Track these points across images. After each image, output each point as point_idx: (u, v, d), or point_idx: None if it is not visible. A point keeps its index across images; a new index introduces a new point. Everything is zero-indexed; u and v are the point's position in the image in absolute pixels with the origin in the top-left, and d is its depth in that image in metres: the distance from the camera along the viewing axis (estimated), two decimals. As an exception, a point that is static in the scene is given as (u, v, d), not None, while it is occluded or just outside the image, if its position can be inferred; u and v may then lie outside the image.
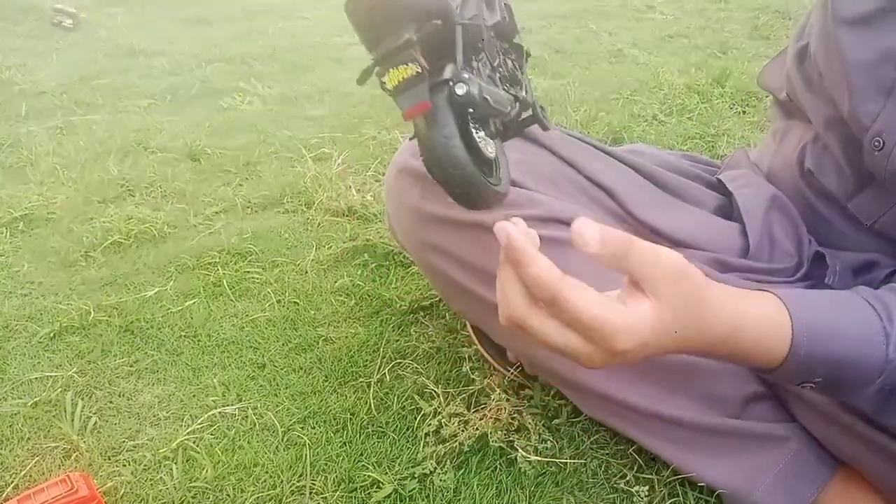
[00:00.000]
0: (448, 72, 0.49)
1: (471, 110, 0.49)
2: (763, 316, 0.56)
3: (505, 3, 0.64)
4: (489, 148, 0.53)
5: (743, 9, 3.60)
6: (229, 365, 1.00)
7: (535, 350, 0.82)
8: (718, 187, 0.96)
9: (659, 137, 1.83)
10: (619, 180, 0.87)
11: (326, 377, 0.97)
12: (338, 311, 1.12)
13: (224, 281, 1.18)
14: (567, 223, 0.85)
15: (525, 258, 0.47)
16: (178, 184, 1.52)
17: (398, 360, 1.00)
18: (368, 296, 1.15)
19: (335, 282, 1.19)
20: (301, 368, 0.99)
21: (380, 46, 0.47)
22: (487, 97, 0.49)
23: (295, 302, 1.14)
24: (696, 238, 0.85)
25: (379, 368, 0.98)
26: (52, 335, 1.06)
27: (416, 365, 0.99)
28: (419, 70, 0.45)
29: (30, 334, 1.07)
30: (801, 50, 0.82)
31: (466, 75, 0.49)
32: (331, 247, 1.29)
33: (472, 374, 0.95)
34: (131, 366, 1.00)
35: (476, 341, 1.00)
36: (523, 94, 0.63)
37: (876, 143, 0.68)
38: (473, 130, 0.51)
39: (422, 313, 1.11)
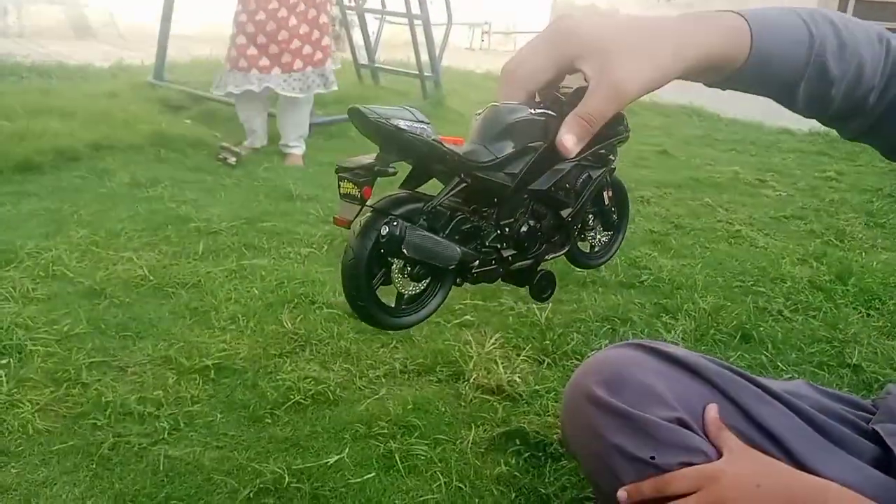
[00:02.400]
0: (402, 210, 0.54)
1: (381, 250, 0.53)
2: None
3: (587, 176, 0.67)
4: (409, 286, 0.58)
5: (855, 190, 3.68)
6: (407, 547, 1.11)
7: None
8: (873, 436, 1.03)
9: (786, 335, 1.91)
10: (786, 428, 0.95)
11: (497, 573, 1.06)
12: (499, 502, 1.22)
13: (395, 455, 1.31)
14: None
15: None
16: (343, 343, 1.69)
17: (561, 564, 1.08)
18: (525, 489, 1.25)
19: (494, 468, 1.30)
20: (472, 560, 1.09)
21: (351, 159, 0.54)
22: (405, 249, 0.53)
23: (459, 487, 1.25)
24: (861, 491, 0.92)
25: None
26: (250, 496, 1.20)
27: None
28: (358, 195, 0.52)
29: (230, 490, 1.21)
30: None
31: (401, 222, 0.53)
32: (485, 428, 1.41)
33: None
34: (321, 536, 1.13)
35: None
36: (524, 257, 0.65)
37: None
38: (394, 263, 0.56)
39: (576, 514, 1.20)
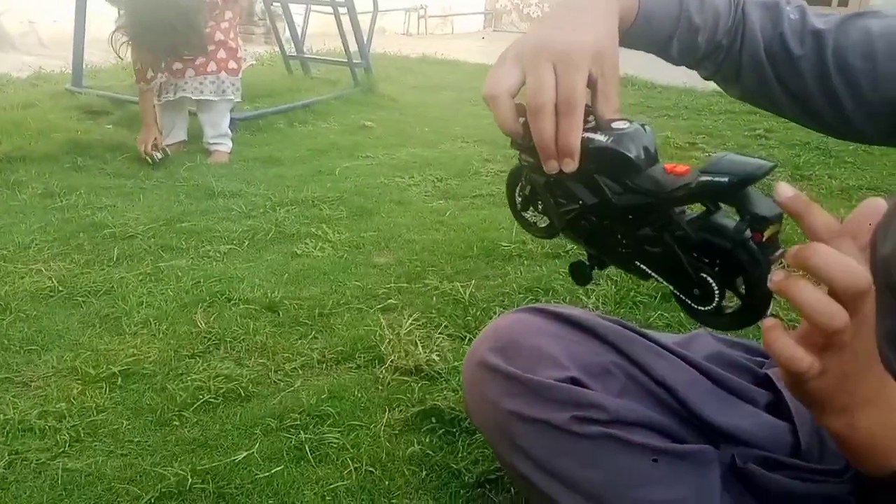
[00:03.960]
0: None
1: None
2: None
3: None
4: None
5: (784, 146, 3.74)
6: (313, 537, 1.09)
7: None
8: (767, 382, 1.04)
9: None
10: (681, 381, 0.95)
11: (403, 554, 1.05)
12: (410, 481, 1.20)
13: (306, 446, 1.28)
14: (629, 423, 0.95)
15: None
16: (259, 338, 1.66)
17: (469, 539, 1.07)
18: (437, 466, 1.23)
19: (407, 448, 1.28)
20: (379, 544, 1.07)
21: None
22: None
23: (371, 470, 1.23)
24: (754, 437, 0.93)
25: (452, 547, 1.06)
26: (152, 501, 1.16)
27: (486, 544, 1.06)
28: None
29: (132, 498, 1.17)
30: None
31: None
32: (401, 409, 1.39)
33: (540, 558, 1.02)
34: (225, 534, 1.10)
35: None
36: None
37: None
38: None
39: (488, 486, 1.19)
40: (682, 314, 1.80)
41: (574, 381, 0.96)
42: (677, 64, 0.86)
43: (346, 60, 4.61)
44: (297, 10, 5.20)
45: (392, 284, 1.94)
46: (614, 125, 0.65)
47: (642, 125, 0.64)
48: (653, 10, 0.76)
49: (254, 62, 3.72)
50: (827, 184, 3.08)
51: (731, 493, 0.88)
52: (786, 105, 0.88)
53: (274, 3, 4.91)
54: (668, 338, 1.05)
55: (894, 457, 0.63)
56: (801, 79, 0.83)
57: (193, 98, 3.11)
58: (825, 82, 0.82)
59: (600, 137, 0.64)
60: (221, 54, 3.13)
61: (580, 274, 0.76)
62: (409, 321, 1.69)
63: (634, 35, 0.77)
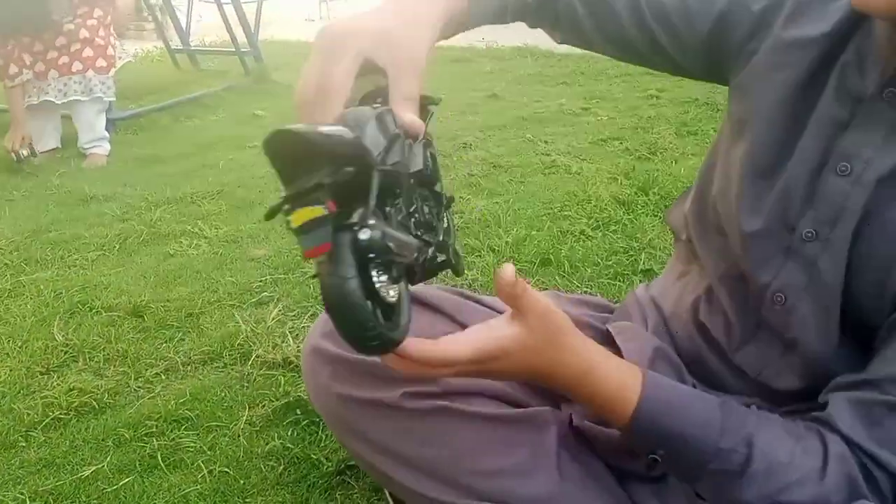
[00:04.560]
0: (356, 216, 0.50)
1: (372, 255, 0.49)
2: (619, 372, 0.68)
3: (430, 153, 0.66)
4: (391, 293, 0.53)
5: (673, 104, 3.80)
6: (159, 548, 1.04)
7: None
8: (609, 337, 1.04)
9: (587, 254, 1.93)
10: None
11: (251, 555, 1.01)
12: (267, 477, 1.16)
13: (159, 454, 1.23)
14: (463, 393, 0.93)
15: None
16: (121, 345, 1.58)
17: (321, 530, 1.04)
18: (297, 458, 1.20)
19: (266, 445, 1.24)
20: (228, 547, 1.03)
21: (290, 186, 0.48)
22: (390, 244, 0.50)
23: (226, 471, 1.18)
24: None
25: (302, 541, 1.02)
26: (-14, 530, 1.09)
27: (338, 534, 1.03)
28: (325, 213, 0.46)
29: (-35, 529, 1.10)
30: (701, 199, 0.90)
31: (372, 221, 0.50)
32: (264, 405, 1.35)
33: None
34: (63, 557, 1.04)
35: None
36: (439, 239, 0.65)
37: (777, 299, 0.76)
38: (375, 275, 0.51)
39: (349, 473, 1.16)
40: (558, 277, 1.81)
41: (407, 356, 0.94)
42: (508, 23, 0.88)
43: (234, 50, 4.46)
44: (184, 3, 5.02)
45: (268, 277, 1.88)
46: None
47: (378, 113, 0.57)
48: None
49: (131, 59, 3.55)
50: (712, 138, 3.14)
51: (569, 451, 0.87)
52: (606, 49, 0.90)
53: (153, -4, 4.71)
54: (501, 303, 1.04)
55: (624, 412, 0.68)
56: (619, 23, 0.84)
57: (58, 102, 2.96)
58: (642, 23, 0.83)
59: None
60: (88, 52, 2.97)
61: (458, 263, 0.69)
62: (276, 313, 1.64)
63: (474, 17, 0.78)
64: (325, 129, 0.49)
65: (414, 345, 0.59)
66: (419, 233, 0.61)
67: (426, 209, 0.64)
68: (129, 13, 5.70)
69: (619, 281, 1.79)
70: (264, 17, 4.65)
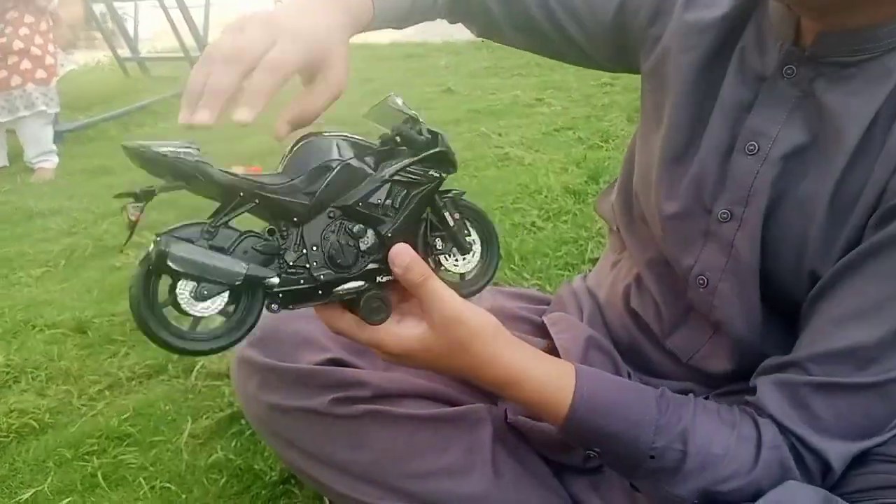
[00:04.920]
0: (179, 231, 0.55)
1: (150, 267, 0.54)
2: (548, 375, 0.67)
3: (403, 197, 0.65)
4: (196, 306, 0.55)
5: (626, 90, 3.81)
6: (97, 570, 1.02)
7: None
8: (544, 329, 1.04)
9: (537, 245, 1.94)
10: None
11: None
12: (209, 491, 1.15)
13: (100, 472, 1.20)
14: (394, 396, 0.93)
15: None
16: (64, 363, 1.55)
17: (263, 541, 1.03)
18: (240, 470, 1.18)
19: (209, 457, 1.22)
20: (168, 564, 1.01)
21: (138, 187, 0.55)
22: (171, 262, 0.53)
23: (168, 486, 1.17)
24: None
25: (243, 553, 1.01)
26: (-82, 562, 1.06)
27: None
28: (130, 219, 0.55)
29: None
30: (626, 188, 0.91)
31: (167, 237, 0.54)
32: (208, 416, 1.33)
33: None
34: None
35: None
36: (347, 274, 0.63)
37: (700, 282, 0.76)
38: (181, 284, 0.54)
39: (293, 481, 1.15)
40: (508, 269, 1.81)
41: (336, 362, 0.93)
42: (412, 25, 0.85)
43: (184, 56, 4.40)
44: (129, 10, 4.94)
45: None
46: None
47: None
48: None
49: (75, 66, 3.48)
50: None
51: (505, 447, 0.87)
52: (517, 41, 0.90)
53: (97, 5, 4.62)
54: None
55: (558, 412, 0.67)
56: (529, 14, 0.85)
57: (2, 121, 2.89)
58: (550, 14, 0.84)
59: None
60: (25, 64, 2.90)
61: (379, 307, 0.65)
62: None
63: (378, 22, 0.75)
64: (165, 149, 0.54)
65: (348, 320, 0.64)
66: (305, 264, 0.61)
67: (335, 246, 0.62)
68: (78, 23, 5.61)
69: (569, 271, 1.80)
70: (213, 20, 4.58)
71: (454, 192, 0.71)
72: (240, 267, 0.56)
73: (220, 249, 0.57)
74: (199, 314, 0.56)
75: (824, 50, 0.66)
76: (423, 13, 0.84)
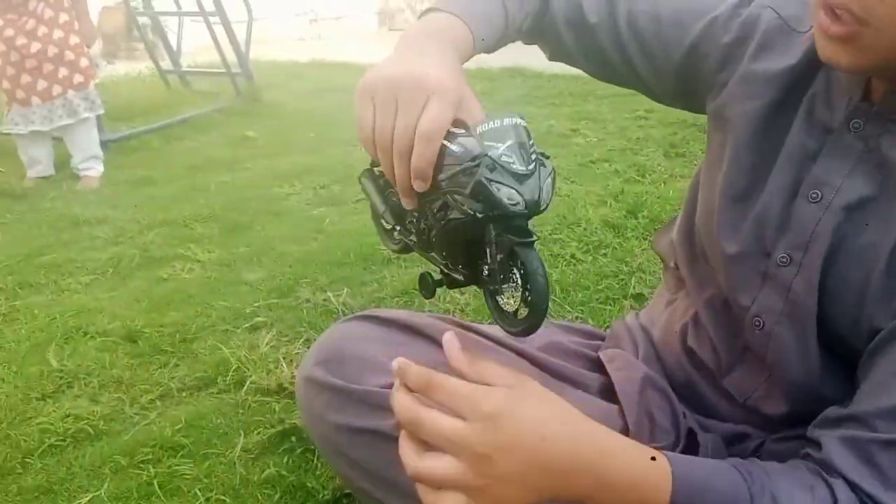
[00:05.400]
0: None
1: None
2: (641, 466, 0.63)
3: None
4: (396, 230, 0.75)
5: (662, 125, 3.85)
6: (157, 578, 1.04)
7: None
8: (601, 365, 1.05)
9: (577, 278, 1.96)
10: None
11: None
12: (263, 506, 1.18)
13: (156, 481, 1.23)
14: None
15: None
16: (116, 371, 1.59)
17: (318, 559, 1.05)
18: (293, 487, 1.21)
19: (262, 472, 1.25)
20: (225, 576, 1.04)
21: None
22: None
23: (223, 499, 1.19)
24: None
25: (299, 570, 1.03)
26: (-17, 560, 1.09)
27: (335, 562, 1.04)
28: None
29: (-38, 560, 1.10)
30: (687, 225, 0.93)
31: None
32: (259, 432, 1.36)
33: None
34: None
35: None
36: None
37: (756, 323, 0.78)
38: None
39: (345, 501, 1.17)
40: (550, 304, 1.82)
41: (398, 386, 0.96)
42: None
43: (225, 71, 4.48)
44: (171, 23, 5.05)
45: (261, 301, 1.90)
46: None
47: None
48: (483, 31, 0.76)
49: (113, 71, 3.55)
50: (700, 158, 3.18)
51: None
52: (587, 67, 0.93)
53: (142, 17, 4.73)
54: (496, 330, 1.06)
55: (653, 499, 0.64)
56: (599, 44, 0.87)
57: (45, 130, 2.96)
58: (621, 45, 0.86)
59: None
60: (63, 72, 2.94)
61: (426, 286, 0.74)
62: (269, 338, 1.65)
63: (478, 51, 0.78)
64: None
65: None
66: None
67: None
68: (119, 33, 5.74)
69: (610, 305, 1.82)
70: (254, 37, 4.68)
71: (526, 238, 0.63)
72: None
73: None
74: (387, 226, 0.78)
75: (893, 107, 0.68)
76: (510, 38, 0.87)
